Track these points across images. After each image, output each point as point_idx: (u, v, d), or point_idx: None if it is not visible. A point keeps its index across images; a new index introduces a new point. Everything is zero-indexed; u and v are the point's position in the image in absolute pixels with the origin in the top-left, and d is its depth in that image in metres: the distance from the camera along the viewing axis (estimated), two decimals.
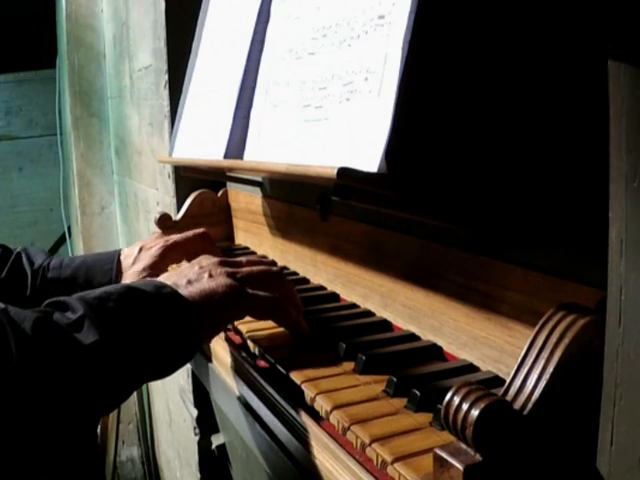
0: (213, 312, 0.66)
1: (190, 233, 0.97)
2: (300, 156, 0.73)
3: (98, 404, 0.58)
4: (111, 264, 0.92)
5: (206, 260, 0.73)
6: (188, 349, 0.65)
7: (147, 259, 0.92)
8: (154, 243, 0.95)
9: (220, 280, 0.68)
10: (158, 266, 0.91)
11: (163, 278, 0.70)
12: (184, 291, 0.66)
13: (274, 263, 0.84)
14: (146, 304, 0.62)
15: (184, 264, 0.92)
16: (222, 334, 0.84)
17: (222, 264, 0.72)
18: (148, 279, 0.70)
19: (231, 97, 0.93)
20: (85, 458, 0.59)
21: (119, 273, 0.92)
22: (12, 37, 3.20)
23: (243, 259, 0.77)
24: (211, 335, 0.71)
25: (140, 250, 0.93)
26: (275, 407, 0.68)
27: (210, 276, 0.69)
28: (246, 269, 0.73)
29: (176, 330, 0.63)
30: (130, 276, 0.90)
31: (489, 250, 0.60)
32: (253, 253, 1.17)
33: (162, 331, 0.62)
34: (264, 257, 1.10)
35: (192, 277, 0.68)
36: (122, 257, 0.94)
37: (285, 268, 1.04)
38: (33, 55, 3.25)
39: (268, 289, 0.71)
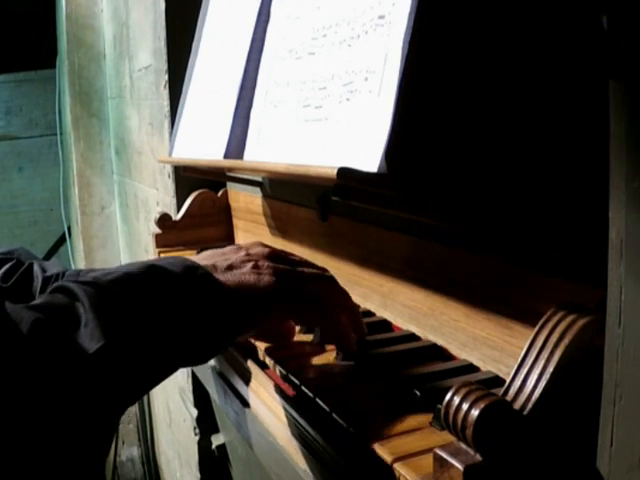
0: (248, 309, 0.57)
1: None
2: (300, 156, 0.72)
3: (105, 412, 0.49)
4: None
5: (256, 248, 0.63)
6: (219, 345, 0.56)
7: None
8: None
9: (265, 276, 0.58)
10: None
11: (202, 257, 0.60)
12: (220, 276, 0.56)
13: (325, 270, 0.71)
14: (171, 290, 0.52)
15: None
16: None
17: (272, 258, 0.62)
18: (179, 256, 0.58)
19: (231, 97, 0.93)
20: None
21: None
22: (12, 37, 3.20)
23: (296, 257, 0.67)
24: (243, 334, 0.60)
25: None
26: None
27: (255, 267, 0.59)
28: (298, 269, 0.63)
29: (207, 324, 0.53)
30: None
31: (489, 250, 0.60)
32: None
33: (190, 325, 0.52)
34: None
35: (235, 262, 0.59)
36: None
37: None
38: (33, 55, 3.25)
39: (319, 294, 0.62)
